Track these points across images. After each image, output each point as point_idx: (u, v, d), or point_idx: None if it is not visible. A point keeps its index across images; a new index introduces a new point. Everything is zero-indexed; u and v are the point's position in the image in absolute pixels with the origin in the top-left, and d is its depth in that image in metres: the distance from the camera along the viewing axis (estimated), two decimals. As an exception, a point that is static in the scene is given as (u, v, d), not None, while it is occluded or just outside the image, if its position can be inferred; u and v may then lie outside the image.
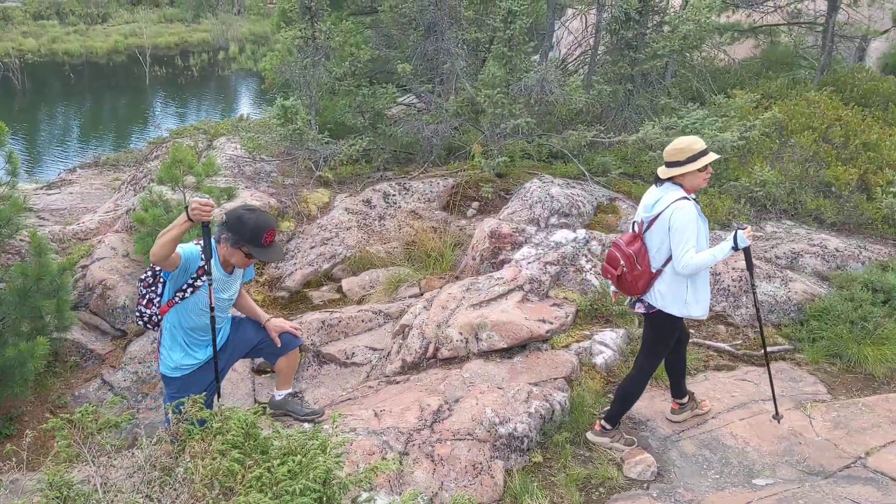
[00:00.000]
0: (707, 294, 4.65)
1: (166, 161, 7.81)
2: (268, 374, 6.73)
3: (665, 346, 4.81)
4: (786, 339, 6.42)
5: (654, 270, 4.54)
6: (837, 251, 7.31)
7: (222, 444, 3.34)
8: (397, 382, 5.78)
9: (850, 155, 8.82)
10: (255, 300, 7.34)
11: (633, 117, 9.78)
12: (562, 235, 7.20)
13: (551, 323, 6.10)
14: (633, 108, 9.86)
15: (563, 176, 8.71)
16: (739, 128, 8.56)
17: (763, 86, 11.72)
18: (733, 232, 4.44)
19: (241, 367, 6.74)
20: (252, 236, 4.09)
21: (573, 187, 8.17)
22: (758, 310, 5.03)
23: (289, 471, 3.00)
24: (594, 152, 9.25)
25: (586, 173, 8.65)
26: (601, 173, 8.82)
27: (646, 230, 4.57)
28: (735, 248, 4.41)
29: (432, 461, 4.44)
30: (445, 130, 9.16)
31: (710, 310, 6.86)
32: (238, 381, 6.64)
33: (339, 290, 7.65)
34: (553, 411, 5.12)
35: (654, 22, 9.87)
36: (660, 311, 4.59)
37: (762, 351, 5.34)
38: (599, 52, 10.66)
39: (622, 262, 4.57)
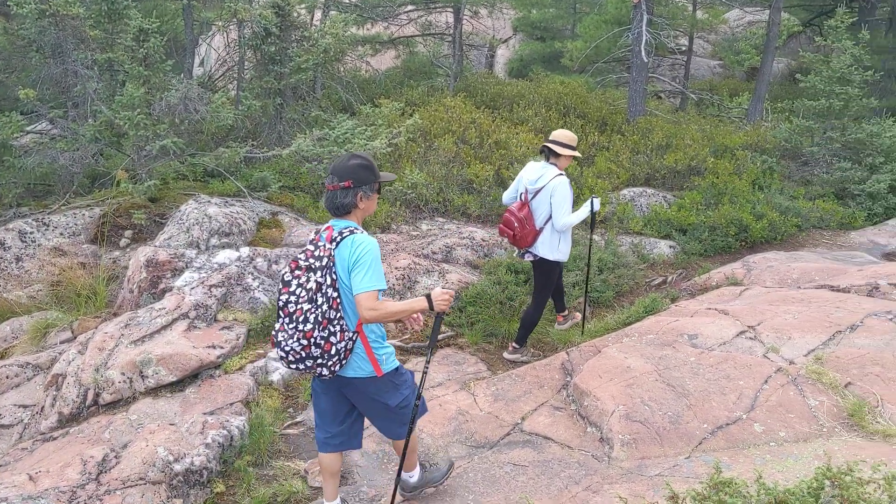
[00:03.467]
0: (570, 245, 6.20)
1: None
2: None
3: (551, 283, 6.27)
4: (448, 327, 6.89)
5: (538, 228, 5.98)
6: (484, 241, 8.03)
7: None
8: (55, 438, 5.19)
9: (486, 153, 9.75)
10: None
11: (287, 130, 9.84)
12: (225, 256, 7.01)
13: (222, 347, 5.91)
14: (285, 122, 9.92)
15: (222, 195, 8.49)
16: (388, 135, 9.01)
17: (406, 94, 12.50)
18: (590, 200, 6.23)
19: None
20: (378, 171, 3.85)
21: (232, 205, 8.00)
22: (588, 265, 6.92)
23: None
24: (252, 168, 9.15)
25: (244, 190, 8.52)
26: (261, 188, 8.75)
27: (532, 198, 5.97)
28: (592, 210, 6.21)
29: (101, 517, 4.06)
30: (85, 157, 8.45)
31: (380, 310, 7.18)
32: None
33: (-26, 347, 6.69)
34: (232, 437, 4.96)
35: (296, 36, 10.02)
36: (543, 258, 6.05)
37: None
38: (246, 68, 10.58)
39: (516, 223, 5.95)
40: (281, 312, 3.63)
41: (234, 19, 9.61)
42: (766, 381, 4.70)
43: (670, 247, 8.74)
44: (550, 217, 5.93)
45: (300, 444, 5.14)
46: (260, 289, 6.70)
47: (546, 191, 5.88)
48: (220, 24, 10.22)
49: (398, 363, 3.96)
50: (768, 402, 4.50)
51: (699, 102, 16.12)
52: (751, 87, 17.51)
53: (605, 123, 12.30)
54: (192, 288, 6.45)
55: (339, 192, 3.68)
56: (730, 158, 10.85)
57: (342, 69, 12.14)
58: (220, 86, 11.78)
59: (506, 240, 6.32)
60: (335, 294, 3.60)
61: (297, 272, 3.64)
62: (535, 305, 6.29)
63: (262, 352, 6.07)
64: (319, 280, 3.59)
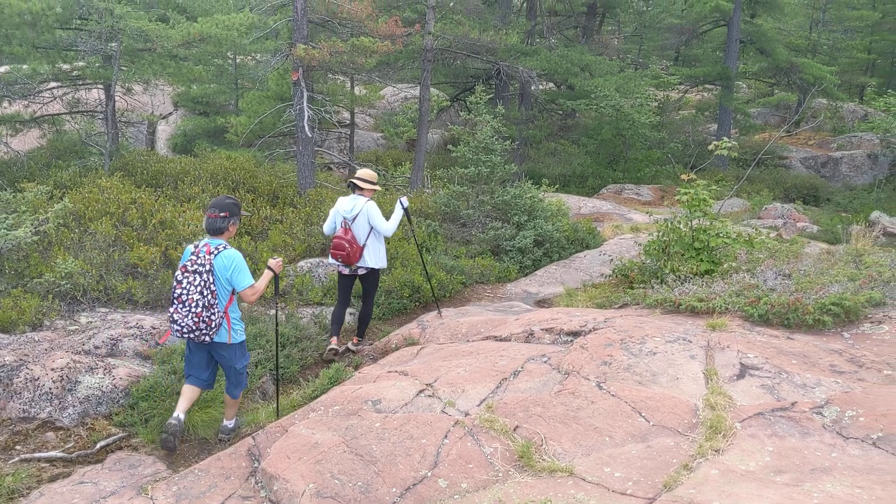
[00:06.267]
0: (385, 254, 7.94)
1: None
2: None
3: (377, 288, 8.17)
4: (119, 428, 6.27)
5: (361, 245, 7.57)
6: (154, 328, 7.50)
7: None
8: None
9: (150, 234, 9.20)
10: None
11: None
12: None
13: None
14: None
15: None
16: (33, 222, 8.13)
17: (54, 176, 11.43)
18: (398, 201, 7.79)
19: None
20: (240, 208, 5.87)
21: None
22: (420, 248, 9.77)
23: None
24: None
25: None
26: None
27: (352, 224, 7.54)
28: (403, 208, 7.78)
29: None
30: None
31: (36, 418, 6.35)
32: None
33: None
34: None
35: None
36: (371, 268, 7.75)
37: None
38: None
39: (347, 245, 7.45)
40: (176, 301, 5.48)
41: None
42: (446, 436, 4.91)
43: (350, 314, 8.90)
44: (369, 235, 7.58)
45: None
46: None
47: (362, 215, 7.55)
48: None
49: (244, 337, 5.96)
50: (450, 456, 4.69)
51: (366, 173, 16.82)
52: (411, 157, 18.77)
53: (276, 196, 12.32)
54: None
55: (219, 220, 5.62)
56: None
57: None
58: None
59: (339, 261, 7.66)
60: (214, 289, 5.51)
61: (186, 274, 5.48)
62: (367, 305, 8.09)
63: None
64: (205, 279, 5.46)
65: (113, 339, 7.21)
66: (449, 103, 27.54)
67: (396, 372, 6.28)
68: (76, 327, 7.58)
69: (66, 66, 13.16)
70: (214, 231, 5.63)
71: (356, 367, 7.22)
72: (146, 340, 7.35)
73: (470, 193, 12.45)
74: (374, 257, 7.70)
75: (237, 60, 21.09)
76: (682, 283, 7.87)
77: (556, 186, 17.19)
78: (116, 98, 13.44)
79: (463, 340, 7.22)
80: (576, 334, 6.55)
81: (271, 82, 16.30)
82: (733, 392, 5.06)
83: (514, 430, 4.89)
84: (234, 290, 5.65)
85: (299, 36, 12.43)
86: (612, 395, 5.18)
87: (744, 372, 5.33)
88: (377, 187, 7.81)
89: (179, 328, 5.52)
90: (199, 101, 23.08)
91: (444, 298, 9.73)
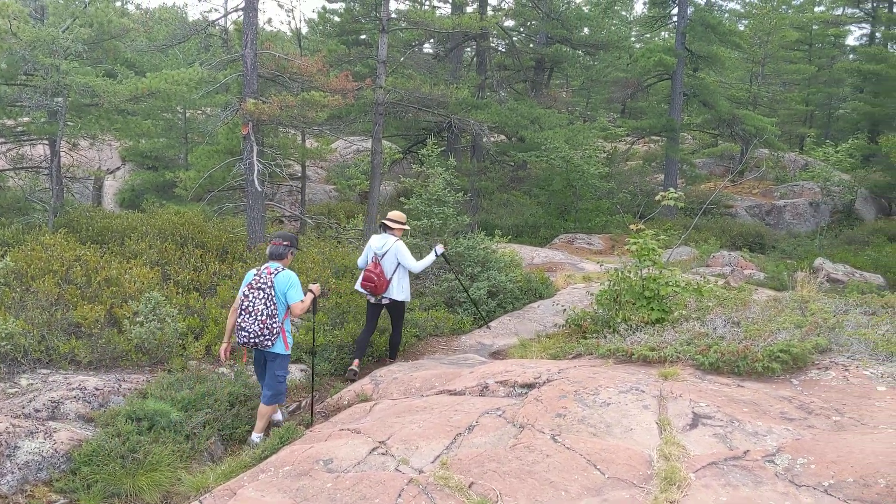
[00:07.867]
0: (409, 287, 8.87)
1: None
2: None
3: (403, 317, 9.08)
4: (60, 494, 6.01)
5: (388, 278, 8.53)
6: (98, 390, 7.26)
7: None
8: None
9: (95, 292, 8.96)
10: None
11: None
12: None
13: None
14: None
15: None
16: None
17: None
18: (433, 248, 9.04)
19: None
20: (298, 242, 7.34)
21: None
22: (468, 293, 11.24)
23: None
24: None
25: None
26: None
27: (381, 259, 8.54)
28: (437, 255, 9.02)
29: None
30: None
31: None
32: None
33: None
34: None
35: None
36: (395, 300, 8.69)
37: None
38: None
39: (375, 277, 8.44)
40: (243, 312, 6.59)
41: None
42: (400, 495, 4.80)
43: (301, 370, 8.75)
44: (396, 270, 8.55)
45: None
46: None
47: (391, 252, 8.56)
48: None
49: (290, 352, 6.93)
50: (404, 517, 4.58)
51: (318, 226, 16.79)
52: (364, 210, 18.77)
53: (225, 251, 12.15)
54: None
55: (281, 247, 6.78)
56: (350, 278, 11.35)
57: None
58: None
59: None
60: (275, 302, 6.59)
61: (251, 290, 6.61)
62: (396, 332, 9.10)
63: None
64: (267, 294, 6.58)
65: (54, 402, 6.95)
66: (401, 156, 27.71)
67: (348, 430, 6.16)
68: (16, 390, 7.29)
69: (9, 122, 12.94)
70: (276, 256, 6.78)
71: (307, 426, 7.06)
72: (89, 402, 7.10)
73: (423, 246, 12.46)
74: (399, 290, 8.67)
75: (187, 114, 20.99)
76: (633, 333, 7.93)
77: (509, 237, 17.30)
78: (62, 153, 13.23)
79: (417, 395, 7.13)
80: (530, 386, 6.52)
81: (221, 136, 16.24)
82: (686, 442, 5.07)
83: (470, 486, 4.81)
84: (289, 306, 6.69)
85: (249, 91, 12.45)
86: (567, 447, 5.14)
87: (696, 421, 5.35)
88: (406, 227, 8.95)
89: (247, 334, 6.56)
90: (148, 155, 22.85)
91: (398, 352, 9.63)
